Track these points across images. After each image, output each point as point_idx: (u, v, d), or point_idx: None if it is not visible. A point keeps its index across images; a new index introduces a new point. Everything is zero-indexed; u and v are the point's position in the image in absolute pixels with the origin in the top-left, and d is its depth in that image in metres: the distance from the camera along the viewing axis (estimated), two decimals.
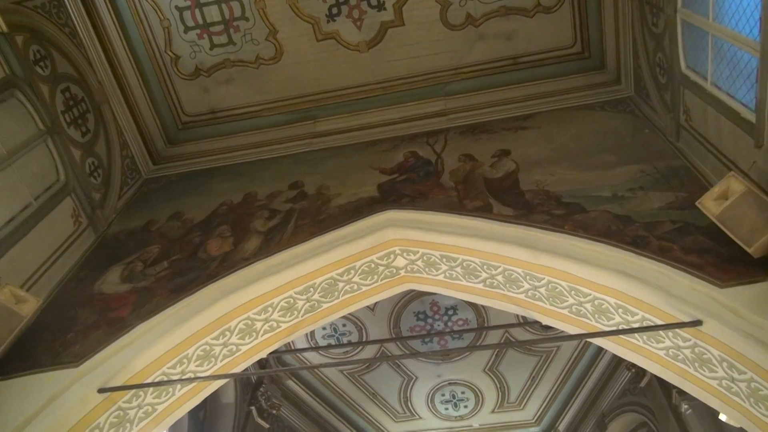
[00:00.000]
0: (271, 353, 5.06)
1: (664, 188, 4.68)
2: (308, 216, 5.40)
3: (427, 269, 5.10)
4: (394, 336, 9.75)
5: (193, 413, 7.96)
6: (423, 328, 9.88)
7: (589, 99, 6.36)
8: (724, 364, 3.69)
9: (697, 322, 3.68)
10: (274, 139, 7.07)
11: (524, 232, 4.61)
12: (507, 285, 4.77)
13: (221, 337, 4.67)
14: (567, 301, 4.49)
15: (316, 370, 10.18)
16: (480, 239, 4.70)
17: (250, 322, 4.78)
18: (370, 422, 11.40)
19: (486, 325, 9.68)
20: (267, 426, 8.99)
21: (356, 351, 10.06)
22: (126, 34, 6.66)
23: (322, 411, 10.73)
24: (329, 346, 10.04)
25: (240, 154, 6.93)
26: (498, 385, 10.90)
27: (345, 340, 9.93)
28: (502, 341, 9.93)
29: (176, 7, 6.74)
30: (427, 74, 7.09)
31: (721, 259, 3.90)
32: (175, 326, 4.46)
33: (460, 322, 9.80)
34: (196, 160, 7.01)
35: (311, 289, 4.93)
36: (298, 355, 9.80)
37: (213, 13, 6.79)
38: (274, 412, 9.34)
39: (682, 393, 7.17)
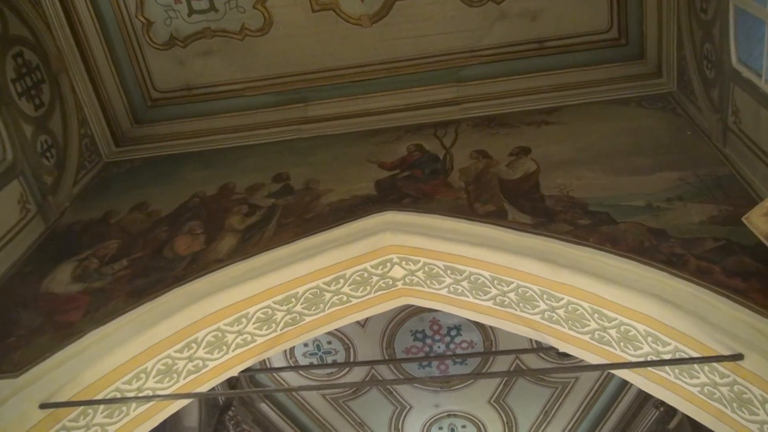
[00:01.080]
0: (243, 371, 5.06)
1: (706, 200, 4.69)
2: (293, 214, 5.40)
3: (428, 282, 5.11)
4: (386, 357, 9.73)
5: None
6: (421, 349, 9.87)
7: (624, 93, 6.38)
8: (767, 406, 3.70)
9: (738, 356, 3.68)
10: (258, 124, 7.07)
11: (543, 243, 4.61)
12: (520, 304, 4.77)
13: (186, 350, 4.66)
14: (589, 325, 4.50)
15: (294, 393, 10.15)
16: (491, 250, 4.70)
17: (220, 334, 4.77)
18: None
19: (494, 349, 9.67)
20: None
21: (342, 373, 10.02)
22: None
23: None
24: (311, 366, 10.02)
25: (217, 139, 6.93)
26: (505, 420, 10.88)
27: (330, 359, 9.90)
28: (511, 369, 9.90)
29: None
30: (439, 56, 7.09)
31: None
32: (133, 335, 4.45)
33: (464, 345, 9.78)
34: (167, 143, 7.00)
35: (293, 299, 4.93)
36: (274, 374, 9.77)
37: None
38: None
39: None
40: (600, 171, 5.23)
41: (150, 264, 5.11)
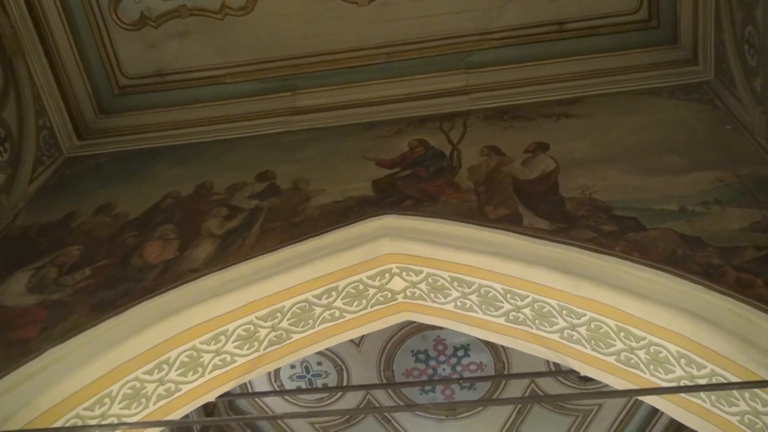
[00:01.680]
0: (221, 396, 5.05)
1: (748, 203, 4.69)
2: (280, 217, 5.41)
3: (432, 295, 5.12)
4: (384, 381, 9.73)
5: None
6: (423, 372, 9.85)
7: (654, 82, 6.39)
8: None
9: None
10: (240, 115, 7.07)
11: (563, 252, 4.61)
12: (536, 321, 4.78)
13: (157, 371, 4.65)
14: (614, 345, 4.50)
15: (279, 421, 10.14)
16: (504, 259, 4.71)
17: (195, 354, 4.77)
18: None
19: (506, 372, 9.67)
20: None
21: (334, 398, 10.03)
22: None
23: None
24: (298, 391, 9.99)
25: (194, 132, 6.92)
26: None
27: (320, 383, 9.90)
28: (526, 394, 9.92)
29: None
30: (445, 39, 7.10)
31: None
32: (97, 354, 4.43)
33: (473, 367, 9.79)
34: (136, 136, 7.00)
35: (278, 314, 4.93)
36: (256, 400, 9.76)
37: None
38: None
39: None
40: (627, 170, 5.23)
41: (116, 274, 5.11)
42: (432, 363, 9.78)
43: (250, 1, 7.02)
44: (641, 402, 9.33)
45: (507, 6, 6.96)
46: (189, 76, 7.32)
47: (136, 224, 5.64)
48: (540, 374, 9.11)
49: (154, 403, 4.70)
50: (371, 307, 5.18)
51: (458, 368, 9.76)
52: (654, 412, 9.50)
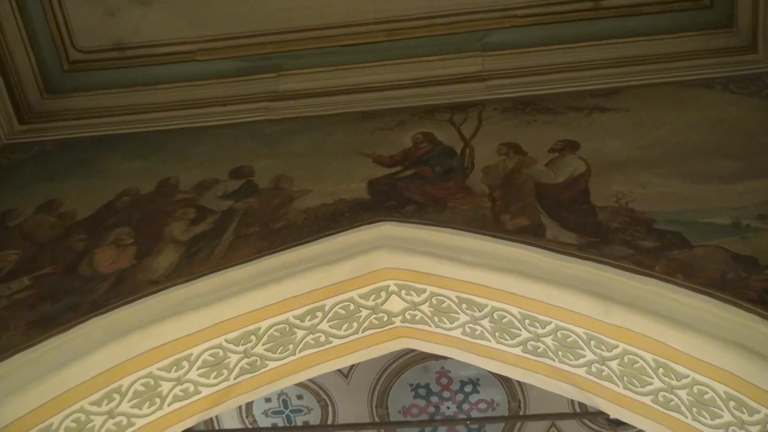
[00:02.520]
0: None
1: None
2: (257, 222, 5.41)
3: (436, 319, 5.11)
4: (377, 420, 9.73)
5: None
6: (424, 410, 9.86)
7: (705, 72, 6.40)
8: None
9: None
10: (212, 99, 7.08)
11: (592, 271, 4.60)
12: (559, 352, 4.77)
13: (106, 402, 4.62)
14: (651, 383, 4.48)
15: None
16: (523, 278, 4.70)
17: (152, 382, 4.75)
18: None
19: (522, 413, 9.65)
20: None
21: None
22: None
23: None
24: (274, 429, 9.99)
25: (157, 119, 6.93)
26: None
27: (300, 420, 9.89)
28: None
29: None
30: (459, 15, 7.13)
31: None
32: (36, 380, 4.39)
33: (483, 406, 9.79)
34: (88, 121, 7.01)
35: (252, 336, 4.92)
36: None
37: None
38: None
39: None
40: (671, 176, 5.23)
41: (60, 284, 5.10)
42: (434, 400, 9.79)
43: None
44: None
45: None
46: (153, 52, 7.32)
47: (86, 226, 5.63)
48: (562, 416, 9.11)
49: None
50: (363, 331, 5.16)
51: (465, 407, 9.78)
52: None
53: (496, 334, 4.94)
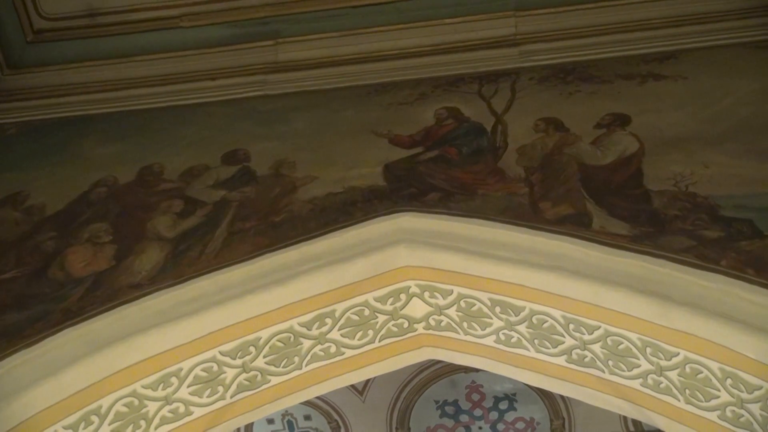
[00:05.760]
0: None
1: None
2: (255, 214, 5.42)
3: (465, 325, 5.10)
4: None
5: None
6: (452, 430, 9.84)
7: None
8: None
9: None
10: (201, 72, 7.10)
11: (648, 267, 4.56)
12: (610, 362, 4.74)
13: (83, 425, 4.61)
14: (717, 397, 4.43)
15: None
16: (566, 276, 4.69)
17: (136, 402, 4.73)
18: None
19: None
20: None
21: None
22: None
23: None
24: None
25: (137, 96, 6.95)
26: None
27: None
28: None
29: None
30: None
31: None
32: (1, 400, 4.38)
33: (521, 425, 9.84)
34: (57, 99, 7.02)
35: (252, 348, 4.91)
36: None
37: None
38: None
39: None
40: (739, 154, 5.18)
41: (27, 290, 5.10)
42: (464, 419, 9.81)
43: None
44: None
45: None
46: (131, 18, 7.33)
47: (56, 222, 5.65)
48: None
49: None
50: (381, 340, 5.16)
51: (500, 427, 9.82)
52: None
53: (536, 341, 4.93)
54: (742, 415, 4.37)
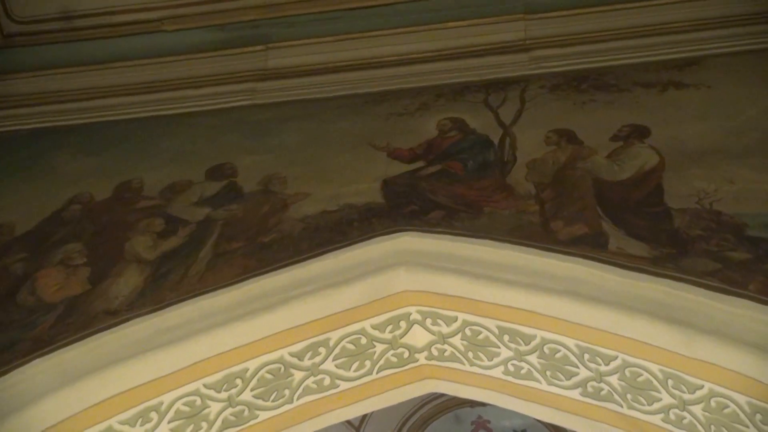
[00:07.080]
0: None
1: None
2: (242, 235, 5.43)
3: (470, 355, 5.07)
4: None
5: None
6: None
7: None
8: None
9: None
10: (185, 80, 7.12)
11: (669, 292, 4.53)
12: (628, 395, 4.70)
13: None
14: None
15: None
16: (580, 301, 4.66)
17: None
18: None
19: None
20: None
21: None
22: None
23: None
24: None
25: (114, 105, 6.97)
26: None
27: None
28: None
29: None
30: None
31: None
32: None
33: None
34: (27, 109, 7.07)
35: (238, 380, 4.87)
36: None
37: None
38: None
39: None
40: (767, 168, 5.16)
41: None
42: None
43: None
44: None
45: None
46: (109, 21, 7.38)
47: (26, 242, 5.68)
48: None
49: None
50: (379, 371, 5.14)
51: None
52: None
53: (548, 373, 4.91)
54: None
